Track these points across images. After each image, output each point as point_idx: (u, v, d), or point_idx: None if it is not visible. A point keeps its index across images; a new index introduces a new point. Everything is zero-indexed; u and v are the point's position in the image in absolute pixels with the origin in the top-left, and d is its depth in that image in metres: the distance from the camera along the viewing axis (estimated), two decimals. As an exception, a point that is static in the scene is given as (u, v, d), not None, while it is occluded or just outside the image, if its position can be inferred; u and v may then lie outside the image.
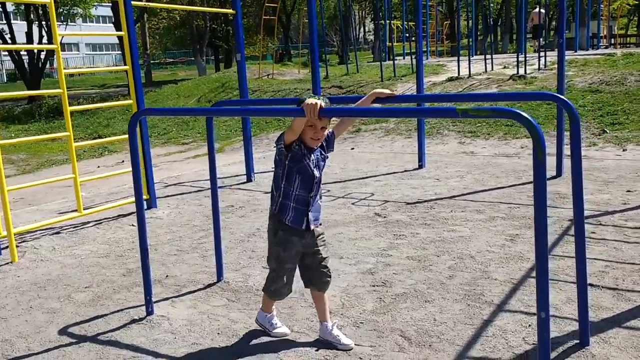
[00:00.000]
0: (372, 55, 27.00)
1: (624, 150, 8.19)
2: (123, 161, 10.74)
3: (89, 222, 6.03)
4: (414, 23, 16.59)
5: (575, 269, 3.00)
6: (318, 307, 3.24)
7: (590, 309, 3.12)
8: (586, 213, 3.98)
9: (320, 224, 3.17)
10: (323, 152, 3.09)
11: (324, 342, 3.17)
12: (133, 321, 3.61)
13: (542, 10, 16.83)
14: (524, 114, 2.28)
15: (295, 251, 3.08)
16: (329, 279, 3.19)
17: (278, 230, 3.05)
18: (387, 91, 3.23)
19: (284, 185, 3.02)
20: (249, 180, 7.79)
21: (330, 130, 3.13)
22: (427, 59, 19.49)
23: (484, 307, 3.54)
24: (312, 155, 3.01)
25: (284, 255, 3.07)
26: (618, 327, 3.18)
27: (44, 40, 26.35)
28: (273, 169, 3.15)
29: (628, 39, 23.45)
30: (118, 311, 3.78)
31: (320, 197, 3.16)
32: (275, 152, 3.06)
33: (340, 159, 9.03)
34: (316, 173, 3.04)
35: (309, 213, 3.06)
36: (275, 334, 3.29)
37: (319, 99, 2.77)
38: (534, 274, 3.97)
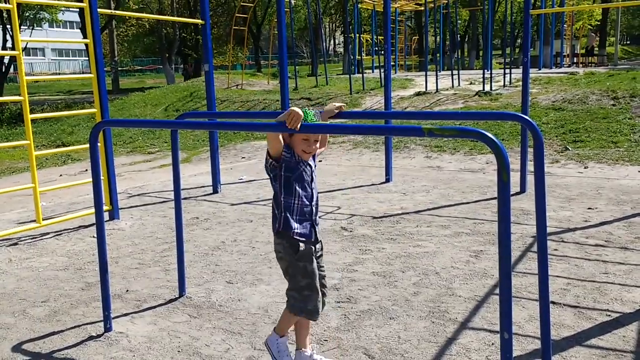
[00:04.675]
0: (341, 68, 27.17)
1: (585, 168, 8.37)
2: (87, 170, 10.50)
3: (48, 233, 5.86)
4: (383, 37, 16.74)
5: (538, 287, 3.02)
6: (300, 332, 3.02)
7: (552, 327, 3.14)
8: (548, 230, 4.03)
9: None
10: (314, 160, 2.94)
11: None
12: (90, 338, 3.50)
13: (592, 34, 20.60)
14: (488, 134, 2.28)
15: (315, 261, 2.90)
16: (325, 298, 2.97)
17: (298, 243, 2.81)
18: (337, 104, 3.15)
19: (284, 199, 2.81)
20: (215, 191, 7.71)
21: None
22: (395, 72, 19.67)
23: (448, 324, 3.54)
24: (307, 163, 2.86)
25: (312, 267, 2.83)
26: (579, 346, 3.21)
27: (8, 44, 25.79)
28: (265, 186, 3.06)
29: (589, 58, 24.08)
30: (75, 327, 3.66)
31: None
32: (269, 174, 2.85)
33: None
34: (315, 179, 2.90)
35: (315, 224, 2.89)
36: None
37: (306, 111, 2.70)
38: (497, 291, 4.00)
